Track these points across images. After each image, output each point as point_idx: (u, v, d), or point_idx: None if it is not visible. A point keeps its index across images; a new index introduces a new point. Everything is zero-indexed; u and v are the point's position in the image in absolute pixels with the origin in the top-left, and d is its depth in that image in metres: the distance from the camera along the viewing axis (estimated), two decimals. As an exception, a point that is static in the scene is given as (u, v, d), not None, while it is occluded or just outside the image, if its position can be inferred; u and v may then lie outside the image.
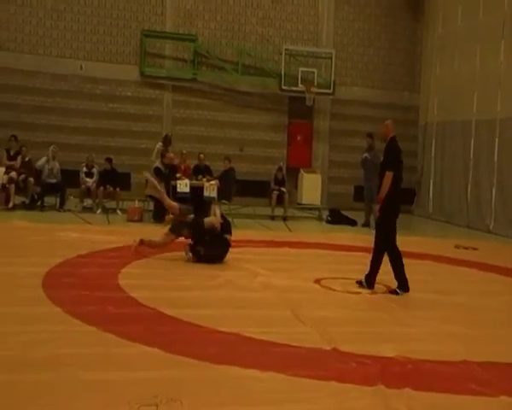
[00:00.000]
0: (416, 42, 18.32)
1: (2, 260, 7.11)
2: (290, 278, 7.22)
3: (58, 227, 10.08)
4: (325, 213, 14.33)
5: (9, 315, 5.02)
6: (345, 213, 14.12)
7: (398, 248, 6.87)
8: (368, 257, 7.04)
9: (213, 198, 11.56)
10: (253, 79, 17.20)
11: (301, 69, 16.79)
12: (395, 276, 6.85)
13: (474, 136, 14.94)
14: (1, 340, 4.40)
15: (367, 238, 8.92)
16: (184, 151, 13.97)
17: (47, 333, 4.59)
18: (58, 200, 12.87)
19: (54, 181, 12.96)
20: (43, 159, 13.16)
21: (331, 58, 17.13)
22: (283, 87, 16.87)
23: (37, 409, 3.36)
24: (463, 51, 15.55)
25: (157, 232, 8.45)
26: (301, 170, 17.06)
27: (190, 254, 7.85)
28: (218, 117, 17.27)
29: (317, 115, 17.98)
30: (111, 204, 13.30)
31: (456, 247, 10.68)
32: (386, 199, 6.69)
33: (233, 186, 13.27)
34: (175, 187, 12.17)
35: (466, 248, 10.59)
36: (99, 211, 13.00)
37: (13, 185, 12.47)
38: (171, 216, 9.01)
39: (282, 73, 16.80)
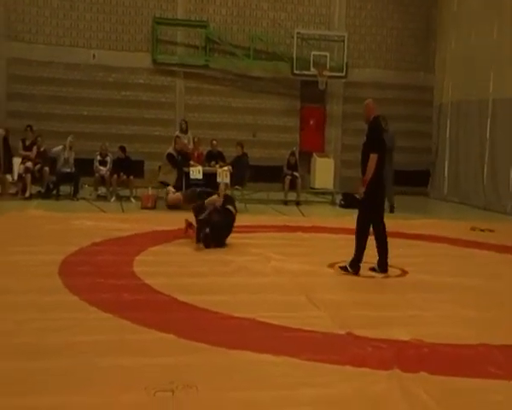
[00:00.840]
0: (430, 20, 18.00)
1: (18, 249, 7.18)
2: (304, 262, 7.21)
3: (73, 216, 10.14)
4: (338, 198, 14.25)
5: (26, 303, 5.08)
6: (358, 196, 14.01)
7: (384, 227, 6.79)
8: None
9: (226, 184, 11.56)
10: (264, 63, 17.09)
11: (313, 53, 16.61)
12: (377, 252, 6.79)
13: (491, 115, 14.69)
14: (18, 327, 4.46)
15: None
16: (196, 139, 13.95)
17: (63, 320, 4.65)
18: (72, 189, 12.96)
19: (68, 170, 13.04)
20: (60, 147, 13.22)
21: (343, 41, 16.93)
22: (295, 71, 16.72)
23: (54, 396, 3.40)
24: (479, 28, 15.19)
25: (171, 218, 8.49)
26: (314, 154, 16.95)
27: (200, 245, 7.86)
28: (230, 103, 17.21)
29: (330, 99, 17.82)
30: (125, 192, 13.36)
31: (473, 229, 10.56)
32: (370, 180, 6.69)
33: (246, 172, 13.25)
34: (188, 174, 12.22)
35: (482, 230, 10.46)
36: (113, 199, 13.07)
37: (29, 175, 12.59)
38: None
39: (294, 57, 16.64)
